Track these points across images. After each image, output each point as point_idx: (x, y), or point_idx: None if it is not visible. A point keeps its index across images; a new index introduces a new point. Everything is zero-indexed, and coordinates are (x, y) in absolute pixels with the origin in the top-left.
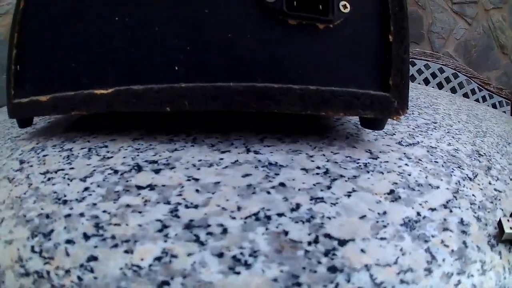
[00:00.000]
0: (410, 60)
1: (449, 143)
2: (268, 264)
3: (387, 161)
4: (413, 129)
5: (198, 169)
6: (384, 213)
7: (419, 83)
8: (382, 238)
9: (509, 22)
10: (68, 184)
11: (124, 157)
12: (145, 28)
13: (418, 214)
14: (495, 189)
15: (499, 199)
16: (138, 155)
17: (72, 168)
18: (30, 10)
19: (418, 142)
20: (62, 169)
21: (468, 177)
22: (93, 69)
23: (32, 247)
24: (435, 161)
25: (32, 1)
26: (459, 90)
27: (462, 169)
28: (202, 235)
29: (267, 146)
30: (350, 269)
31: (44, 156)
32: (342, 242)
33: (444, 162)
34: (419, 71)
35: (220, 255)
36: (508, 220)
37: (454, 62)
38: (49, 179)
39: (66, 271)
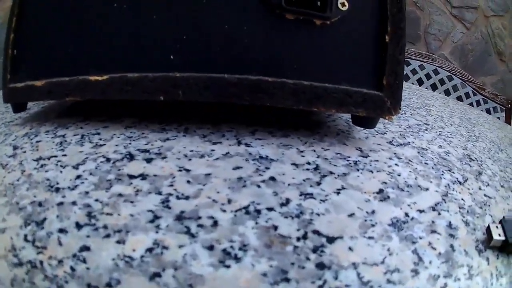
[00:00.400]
0: (405, 60)
1: (440, 146)
2: (258, 258)
3: (377, 160)
4: (404, 129)
5: (190, 159)
6: (373, 212)
7: (412, 83)
8: (370, 237)
9: (510, 30)
10: (61, 172)
11: (116, 145)
12: (142, 15)
13: (407, 215)
14: (485, 195)
15: (489, 205)
16: (130, 144)
17: (65, 155)
18: None
19: (409, 142)
20: (55, 156)
21: (458, 181)
22: (88, 55)
23: (25, 236)
24: (425, 163)
25: None
26: (453, 92)
27: (453, 172)
28: (193, 227)
29: (258, 139)
30: (338, 267)
31: (37, 142)
32: (331, 239)
33: (435, 165)
34: (414, 71)
35: (211, 247)
36: (496, 227)
37: (449, 65)
38: (42, 165)
39: (59, 261)
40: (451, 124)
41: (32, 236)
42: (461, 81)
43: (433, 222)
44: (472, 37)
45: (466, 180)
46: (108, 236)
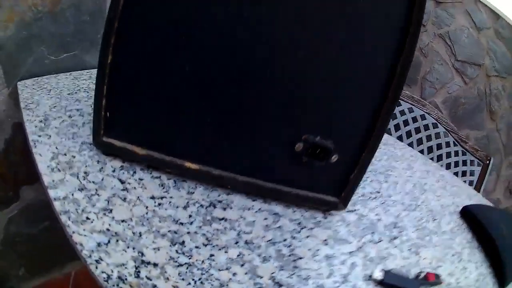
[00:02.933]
0: (397, 101)
1: (377, 214)
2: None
3: (331, 221)
4: (359, 197)
5: (243, 210)
6: (318, 250)
7: (398, 123)
8: (317, 261)
9: (509, 93)
10: (176, 211)
11: (201, 194)
12: (219, 131)
13: (334, 254)
14: (388, 253)
15: (387, 260)
16: (208, 195)
17: (172, 197)
18: (119, 65)
19: (355, 209)
20: (164, 197)
21: (374, 241)
22: (185, 144)
23: (176, 250)
24: (358, 226)
25: (122, 58)
26: (435, 139)
27: (373, 234)
28: (251, 247)
29: (273, 202)
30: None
31: (140, 180)
32: (300, 257)
33: (364, 228)
34: (402, 112)
35: (258, 247)
36: (379, 271)
37: (437, 113)
38: (159, 204)
39: (202, 261)
40: (400, 192)
41: (181, 250)
42: (445, 130)
43: (345, 260)
44: (468, 92)
45: (380, 241)
46: (221, 248)
